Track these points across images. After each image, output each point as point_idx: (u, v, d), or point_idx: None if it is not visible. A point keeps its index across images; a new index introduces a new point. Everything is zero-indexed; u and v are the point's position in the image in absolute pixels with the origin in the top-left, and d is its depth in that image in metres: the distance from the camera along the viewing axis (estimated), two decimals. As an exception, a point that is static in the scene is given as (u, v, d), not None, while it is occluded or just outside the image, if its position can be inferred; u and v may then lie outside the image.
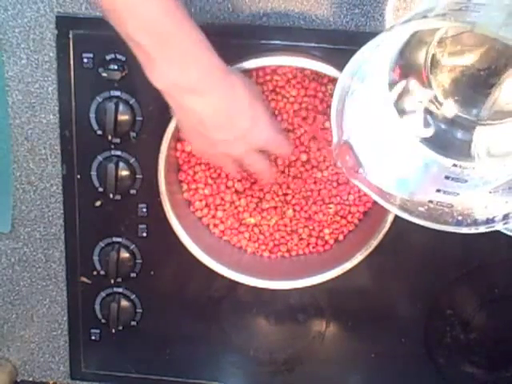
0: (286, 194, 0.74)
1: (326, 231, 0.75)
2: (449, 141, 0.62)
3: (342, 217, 0.75)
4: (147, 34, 0.54)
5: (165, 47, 0.55)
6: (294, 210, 0.74)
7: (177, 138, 0.72)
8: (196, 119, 0.59)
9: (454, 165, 0.61)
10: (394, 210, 0.60)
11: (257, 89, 0.67)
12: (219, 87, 0.58)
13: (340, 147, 0.58)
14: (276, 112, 0.71)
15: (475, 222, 0.56)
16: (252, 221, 0.75)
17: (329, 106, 0.70)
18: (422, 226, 0.59)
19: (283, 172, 0.73)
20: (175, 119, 0.65)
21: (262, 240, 0.76)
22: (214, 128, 0.60)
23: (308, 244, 0.76)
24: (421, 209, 0.59)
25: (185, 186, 0.74)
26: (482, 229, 0.55)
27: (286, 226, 0.75)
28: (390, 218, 0.68)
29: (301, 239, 0.76)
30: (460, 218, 0.57)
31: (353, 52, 0.69)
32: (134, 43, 0.55)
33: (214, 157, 0.67)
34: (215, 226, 0.76)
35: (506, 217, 0.54)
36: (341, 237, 0.76)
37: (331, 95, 0.70)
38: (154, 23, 0.54)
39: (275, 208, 0.75)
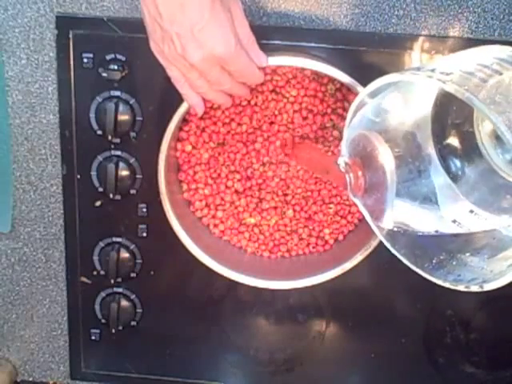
0: (285, 194, 0.74)
1: (326, 231, 0.75)
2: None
3: (341, 217, 0.75)
4: None
5: None
6: (294, 210, 0.75)
7: (177, 138, 0.72)
8: (153, 7, 0.56)
9: (471, 211, 0.58)
10: (380, 237, 0.59)
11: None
12: None
13: (353, 160, 0.57)
14: (276, 112, 0.71)
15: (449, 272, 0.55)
16: (252, 221, 0.75)
17: (329, 106, 0.71)
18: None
19: (283, 172, 0.73)
20: (143, 17, 0.60)
21: (262, 240, 0.76)
22: (168, 17, 0.56)
23: (308, 244, 0.76)
24: (402, 241, 0.58)
25: (185, 186, 0.74)
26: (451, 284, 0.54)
27: (285, 226, 0.75)
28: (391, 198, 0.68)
29: (301, 239, 0.76)
30: (439, 263, 0.56)
31: (353, 52, 0.69)
32: None
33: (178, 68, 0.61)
34: (215, 226, 0.76)
35: (473, 280, 0.53)
36: (341, 237, 0.76)
37: (331, 95, 0.70)
38: None
39: (275, 208, 0.75)
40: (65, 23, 0.71)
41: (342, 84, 0.68)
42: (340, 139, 0.71)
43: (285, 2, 0.69)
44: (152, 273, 0.79)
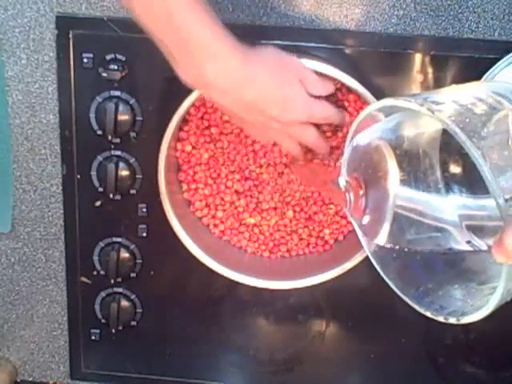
0: (285, 195, 0.74)
1: (326, 231, 0.75)
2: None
3: (341, 217, 0.75)
4: (167, 34, 0.56)
5: (182, 46, 0.56)
6: (294, 211, 0.74)
7: (177, 138, 0.72)
8: (227, 111, 0.62)
9: (468, 241, 0.59)
10: (372, 259, 0.59)
11: (285, 60, 0.63)
12: (240, 82, 0.59)
13: (355, 179, 0.57)
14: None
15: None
16: (252, 221, 0.75)
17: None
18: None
19: (282, 174, 0.73)
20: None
21: (262, 240, 0.76)
22: (243, 114, 0.61)
23: (308, 244, 0.76)
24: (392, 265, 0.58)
25: (185, 186, 0.74)
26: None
27: (285, 226, 0.75)
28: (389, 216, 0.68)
29: (301, 239, 0.76)
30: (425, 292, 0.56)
31: (353, 52, 0.69)
32: (159, 41, 0.57)
33: (271, 135, 0.66)
34: (215, 225, 0.76)
35: (453, 312, 0.53)
36: (341, 237, 0.76)
37: (332, 95, 0.70)
38: (173, 24, 0.55)
39: (275, 208, 0.75)
40: (65, 23, 0.71)
41: (342, 84, 0.68)
42: (339, 142, 0.71)
43: (285, 2, 0.69)
44: (152, 273, 0.79)
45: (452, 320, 0.51)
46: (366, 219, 0.57)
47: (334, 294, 0.78)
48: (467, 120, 0.44)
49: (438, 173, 0.56)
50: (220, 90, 0.58)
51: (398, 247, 0.58)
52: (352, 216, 0.59)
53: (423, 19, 0.69)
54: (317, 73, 0.67)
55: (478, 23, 0.69)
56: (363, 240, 0.61)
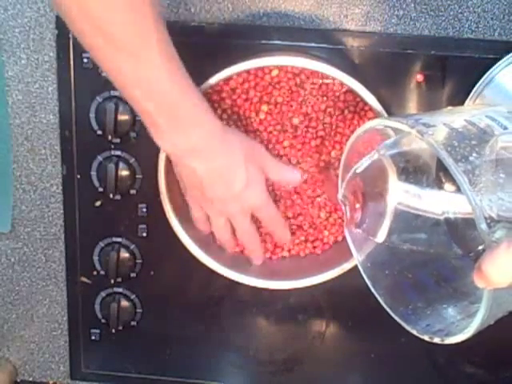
0: (286, 197, 0.74)
1: (326, 232, 0.75)
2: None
3: (341, 218, 0.75)
4: (154, 103, 0.56)
5: (171, 116, 0.57)
6: (294, 211, 0.74)
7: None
8: (196, 177, 0.62)
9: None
10: (363, 275, 0.60)
11: (260, 150, 0.67)
12: (219, 149, 0.61)
13: (353, 193, 0.57)
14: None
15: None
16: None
17: (329, 106, 0.71)
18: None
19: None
20: (176, 172, 0.67)
21: (263, 241, 0.76)
22: (210, 186, 0.63)
23: (308, 244, 0.76)
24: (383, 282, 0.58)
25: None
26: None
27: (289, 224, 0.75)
28: (388, 220, 0.68)
29: (300, 239, 0.76)
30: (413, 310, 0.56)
31: (353, 52, 0.69)
32: (142, 110, 0.57)
33: (207, 216, 0.69)
34: None
35: (439, 331, 0.53)
36: (340, 237, 0.76)
37: (335, 95, 0.70)
38: (163, 96, 0.56)
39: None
40: (65, 23, 0.70)
41: (343, 84, 0.68)
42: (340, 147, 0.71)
43: (285, 2, 0.69)
44: (152, 273, 0.79)
45: (437, 339, 0.52)
46: (360, 232, 0.58)
47: (334, 294, 0.78)
48: (456, 144, 0.44)
49: (437, 181, 0.56)
50: (200, 154, 0.60)
51: (395, 251, 0.58)
52: (347, 228, 0.59)
53: (423, 19, 0.69)
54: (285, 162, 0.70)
55: (478, 23, 0.69)
56: (356, 255, 0.61)
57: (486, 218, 0.41)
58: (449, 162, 0.42)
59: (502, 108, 0.52)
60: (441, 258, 0.58)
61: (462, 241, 0.58)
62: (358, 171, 0.57)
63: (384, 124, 0.52)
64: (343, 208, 0.59)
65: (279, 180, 0.70)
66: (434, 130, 0.46)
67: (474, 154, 0.43)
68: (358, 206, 0.58)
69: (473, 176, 0.42)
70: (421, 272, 0.58)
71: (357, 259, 0.61)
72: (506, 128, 0.47)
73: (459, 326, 0.49)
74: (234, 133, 0.65)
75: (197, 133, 0.59)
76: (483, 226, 0.41)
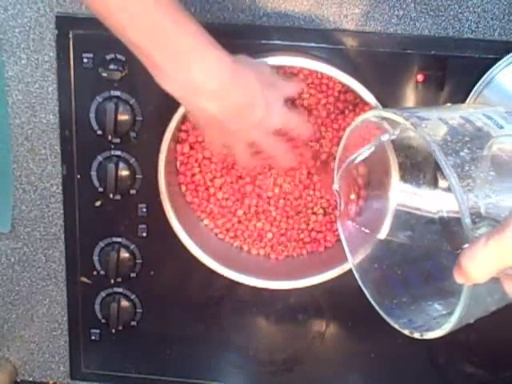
0: (286, 198, 0.74)
1: (327, 232, 0.75)
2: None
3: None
4: (149, 39, 0.54)
5: (169, 52, 0.54)
6: (295, 212, 0.74)
7: (176, 139, 0.72)
8: (210, 116, 0.58)
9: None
10: (353, 268, 0.60)
11: (267, 70, 0.64)
12: (229, 83, 0.57)
13: (347, 185, 0.57)
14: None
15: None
16: (252, 222, 0.75)
17: (329, 103, 0.71)
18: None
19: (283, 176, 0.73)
20: (188, 115, 0.64)
21: (264, 242, 0.76)
22: (228, 121, 0.59)
23: (308, 244, 0.76)
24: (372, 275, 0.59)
25: (184, 188, 0.74)
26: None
27: (286, 227, 0.75)
28: (389, 217, 0.68)
29: (301, 240, 0.76)
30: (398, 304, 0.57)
31: (353, 52, 0.69)
32: (139, 50, 0.55)
33: (228, 146, 0.65)
34: (215, 226, 0.76)
35: (420, 327, 0.53)
36: (341, 237, 0.76)
37: (331, 96, 0.71)
38: (154, 27, 0.53)
39: (276, 209, 0.75)
40: (65, 23, 0.71)
41: (343, 85, 0.68)
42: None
43: (285, 2, 0.69)
44: (152, 273, 0.79)
45: (416, 334, 0.52)
46: (353, 225, 0.59)
47: (334, 294, 0.78)
48: (448, 138, 0.44)
49: (433, 179, 0.57)
50: (207, 93, 0.56)
51: (394, 245, 0.59)
52: (340, 220, 0.59)
53: (423, 19, 0.69)
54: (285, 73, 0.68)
55: (478, 23, 0.69)
56: (347, 248, 0.61)
57: (471, 214, 0.41)
58: (438, 154, 0.42)
59: (500, 108, 0.52)
60: (431, 256, 0.58)
61: (452, 239, 0.58)
62: (355, 161, 0.57)
63: (380, 115, 0.52)
64: (337, 200, 0.59)
65: (292, 93, 0.66)
66: (427, 123, 0.46)
67: (466, 150, 0.44)
68: (352, 196, 0.58)
69: (462, 171, 0.42)
70: (410, 269, 0.58)
71: (347, 251, 0.61)
72: (501, 127, 0.47)
73: (440, 323, 0.49)
74: (246, 62, 0.61)
75: (201, 68, 0.55)
76: (467, 220, 0.41)
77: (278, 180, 0.74)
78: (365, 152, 0.57)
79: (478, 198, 0.42)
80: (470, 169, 0.43)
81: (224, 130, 0.60)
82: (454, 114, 0.49)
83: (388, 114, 0.50)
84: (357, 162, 0.58)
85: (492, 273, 0.41)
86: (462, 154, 0.43)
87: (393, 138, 0.55)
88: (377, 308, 0.56)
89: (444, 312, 0.51)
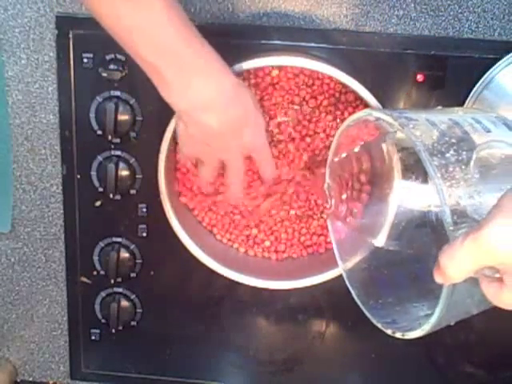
0: (286, 199, 0.74)
1: (328, 234, 0.75)
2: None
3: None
4: (160, 56, 0.55)
5: (179, 69, 0.56)
6: (295, 212, 0.74)
7: (176, 141, 0.72)
8: (210, 132, 0.60)
9: None
10: (340, 266, 0.61)
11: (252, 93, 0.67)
12: (232, 102, 0.60)
13: (338, 184, 0.58)
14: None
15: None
16: (252, 223, 0.75)
17: (331, 104, 0.71)
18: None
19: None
20: (180, 131, 0.65)
21: (263, 243, 0.76)
22: (219, 138, 0.61)
23: (308, 244, 0.76)
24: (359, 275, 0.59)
25: (183, 189, 0.74)
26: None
27: (286, 226, 0.75)
28: (389, 219, 0.68)
29: (301, 240, 0.76)
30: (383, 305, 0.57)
31: (353, 52, 0.69)
32: (147, 65, 0.56)
33: (200, 160, 0.67)
34: (213, 226, 0.76)
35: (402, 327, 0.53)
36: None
37: (331, 96, 0.71)
38: (166, 44, 0.54)
39: (276, 209, 0.75)
40: (65, 23, 0.71)
41: (343, 85, 0.68)
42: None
43: (285, 2, 0.69)
44: (152, 273, 0.79)
45: (398, 334, 0.52)
46: (342, 226, 0.59)
47: (333, 294, 0.78)
48: (435, 139, 0.45)
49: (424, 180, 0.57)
50: (210, 107, 0.58)
51: (397, 248, 0.59)
52: (330, 220, 0.60)
53: (423, 19, 0.69)
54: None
55: (478, 23, 0.69)
56: (336, 247, 0.62)
57: (453, 213, 0.42)
58: (423, 154, 0.43)
59: (492, 113, 0.52)
60: (420, 259, 0.58)
61: (440, 242, 0.59)
62: (343, 157, 0.58)
63: (370, 114, 0.53)
64: (328, 199, 0.59)
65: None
66: (415, 123, 0.47)
67: (452, 152, 0.44)
68: (344, 196, 0.58)
69: (446, 171, 0.43)
70: (397, 270, 0.59)
71: (336, 251, 0.61)
72: (489, 131, 0.48)
73: (421, 323, 0.50)
74: (243, 84, 0.64)
75: (206, 84, 0.57)
76: (448, 219, 0.42)
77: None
78: (355, 151, 0.58)
79: (462, 198, 0.42)
80: (454, 170, 0.43)
81: (209, 147, 0.63)
82: (443, 117, 0.49)
83: (378, 113, 0.51)
84: (341, 158, 0.58)
85: (469, 272, 0.41)
86: (447, 155, 0.44)
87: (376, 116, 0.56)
88: (361, 307, 0.57)
89: (428, 312, 0.51)
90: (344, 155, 0.60)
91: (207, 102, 0.58)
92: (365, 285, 0.59)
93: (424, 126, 0.47)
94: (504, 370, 0.81)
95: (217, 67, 0.58)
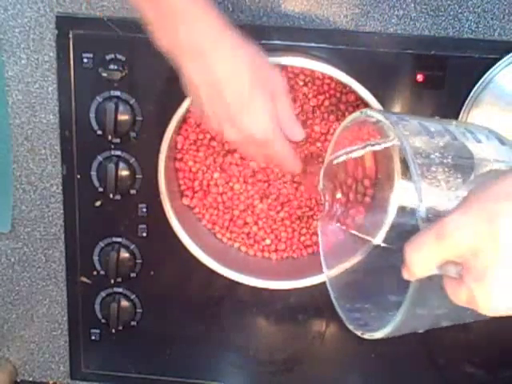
0: (286, 201, 0.74)
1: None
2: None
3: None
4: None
5: (158, 9, 0.54)
6: (296, 213, 0.74)
7: (176, 140, 0.72)
8: (193, 87, 0.56)
9: None
10: (324, 269, 0.61)
11: (265, 65, 0.59)
12: (218, 54, 0.55)
13: (332, 184, 0.58)
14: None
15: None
16: (252, 223, 0.75)
17: (332, 104, 0.71)
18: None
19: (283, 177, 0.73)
20: (187, 85, 0.59)
21: (263, 243, 0.76)
22: (207, 101, 0.56)
23: (309, 247, 0.76)
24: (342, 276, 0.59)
25: (183, 188, 0.74)
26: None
27: (286, 226, 0.75)
28: (389, 219, 0.68)
29: (301, 240, 0.76)
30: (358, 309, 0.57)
31: (353, 52, 0.69)
32: (138, 9, 0.55)
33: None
34: (214, 224, 0.76)
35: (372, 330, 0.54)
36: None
37: (331, 97, 0.71)
38: None
39: (276, 210, 0.75)
40: (65, 23, 0.71)
41: (344, 85, 0.68)
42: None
43: (285, 2, 0.69)
44: (152, 273, 0.79)
45: (367, 335, 0.53)
46: (336, 226, 0.59)
47: (333, 294, 0.78)
48: (423, 140, 0.45)
49: None
50: (191, 53, 0.54)
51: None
52: (322, 220, 0.60)
53: (423, 19, 0.69)
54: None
55: (478, 23, 0.69)
56: (323, 247, 0.62)
57: (427, 211, 0.42)
58: (407, 151, 0.43)
59: (486, 128, 0.52)
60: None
61: None
62: (339, 159, 0.58)
63: (363, 113, 0.53)
64: (322, 198, 0.59)
65: (284, 128, 0.59)
66: (406, 124, 0.47)
67: (437, 154, 0.45)
68: (338, 195, 0.58)
69: (427, 171, 0.43)
70: (382, 278, 0.59)
71: (322, 250, 0.61)
72: (480, 141, 0.48)
73: (387, 325, 0.50)
74: (243, 42, 0.56)
75: (188, 29, 0.54)
76: (422, 215, 0.42)
77: (278, 186, 0.74)
78: (352, 152, 0.58)
79: (440, 199, 0.43)
80: (437, 170, 0.44)
81: (203, 112, 0.58)
82: (435, 124, 0.50)
83: (373, 113, 0.51)
84: (340, 160, 0.58)
85: (432, 266, 0.41)
86: (432, 156, 0.44)
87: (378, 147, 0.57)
88: (335, 306, 0.57)
89: None
90: (344, 157, 0.60)
91: (184, 44, 0.54)
92: (344, 287, 0.59)
93: (414, 127, 0.48)
94: (504, 370, 0.81)
95: (201, 11, 0.55)
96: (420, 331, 0.49)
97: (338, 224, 0.62)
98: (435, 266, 0.41)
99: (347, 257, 0.63)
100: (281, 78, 0.59)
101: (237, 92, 0.55)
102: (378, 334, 0.50)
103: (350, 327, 0.54)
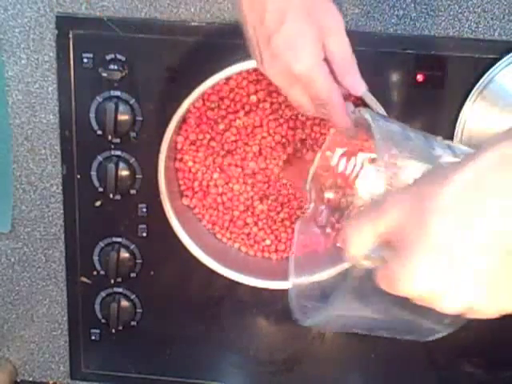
0: (286, 199, 0.74)
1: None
2: None
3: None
4: None
5: None
6: (295, 212, 0.74)
7: (176, 140, 0.72)
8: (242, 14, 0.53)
9: None
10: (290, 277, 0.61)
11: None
12: None
13: (318, 185, 0.58)
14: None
15: None
16: (252, 222, 0.75)
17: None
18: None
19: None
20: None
21: (263, 243, 0.76)
22: (250, 23, 0.52)
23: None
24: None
25: (183, 189, 0.74)
26: None
27: (285, 226, 0.75)
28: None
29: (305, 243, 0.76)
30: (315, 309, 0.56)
31: (352, 52, 0.69)
32: None
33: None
34: (214, 224, 0.76)
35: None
36: (341, 237, 0.76)
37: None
38: None
39: (276, 210, 0.75)
40: (65, 23, 0.71)
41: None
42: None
43: (285, 2, 0.69)
44: (152, 273, 0.79)
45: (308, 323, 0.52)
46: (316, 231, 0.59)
47: (333, 294, 0.78)
48: (397, 137, 0.46)
49: None
50: None
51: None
52: (304, 222, 0.59)
53: (423, 19, 0.69)
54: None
55: (478, 23, 0.69)
56: (296, 246, 0.61)
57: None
58: (377, 139, 0.43)
59: (471, 149, 0.52)
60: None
61: None
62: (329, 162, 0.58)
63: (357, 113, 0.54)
64: (308, 199, 0.59)
65: (337, 71, 0.53)
66: (387, 123, 0.47)
67: (407, 154, 0.44)
68: (327, 195, 0.58)
69: (391, 157, 0.43)
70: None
71: (294, 247, 0.61)
72: (456, 156, 0.48)
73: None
74: None
75: None
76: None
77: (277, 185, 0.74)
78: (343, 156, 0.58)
79: (394, 182, 0.43)
80: (402, 166, 0.43)
81: (251, 41, 0.53)
82: (418, 131, 0.49)
83: (362, 112, 0.50)
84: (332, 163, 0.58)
85: (368, 243, 0.40)
86: (399, 148, 0.44)
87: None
88: (291, 303, 0.56)
89: None
90: (335, 162, 0.60)
91: None
92: (305, 286, 0.59)
93: (394, 127, 0.48)
94: (504, 370, 0.81)
95: None
96: (357, 331, 0.49)
97: (320, 231, 0.61)
98: (370, 244, 0.40)
99: (320, 268, 0.61)
100: (338, 14, 0.53)
101: (277, 18, 0.50)
102: (308, 322, 0.50)
103: (300, 323, 0.53)
